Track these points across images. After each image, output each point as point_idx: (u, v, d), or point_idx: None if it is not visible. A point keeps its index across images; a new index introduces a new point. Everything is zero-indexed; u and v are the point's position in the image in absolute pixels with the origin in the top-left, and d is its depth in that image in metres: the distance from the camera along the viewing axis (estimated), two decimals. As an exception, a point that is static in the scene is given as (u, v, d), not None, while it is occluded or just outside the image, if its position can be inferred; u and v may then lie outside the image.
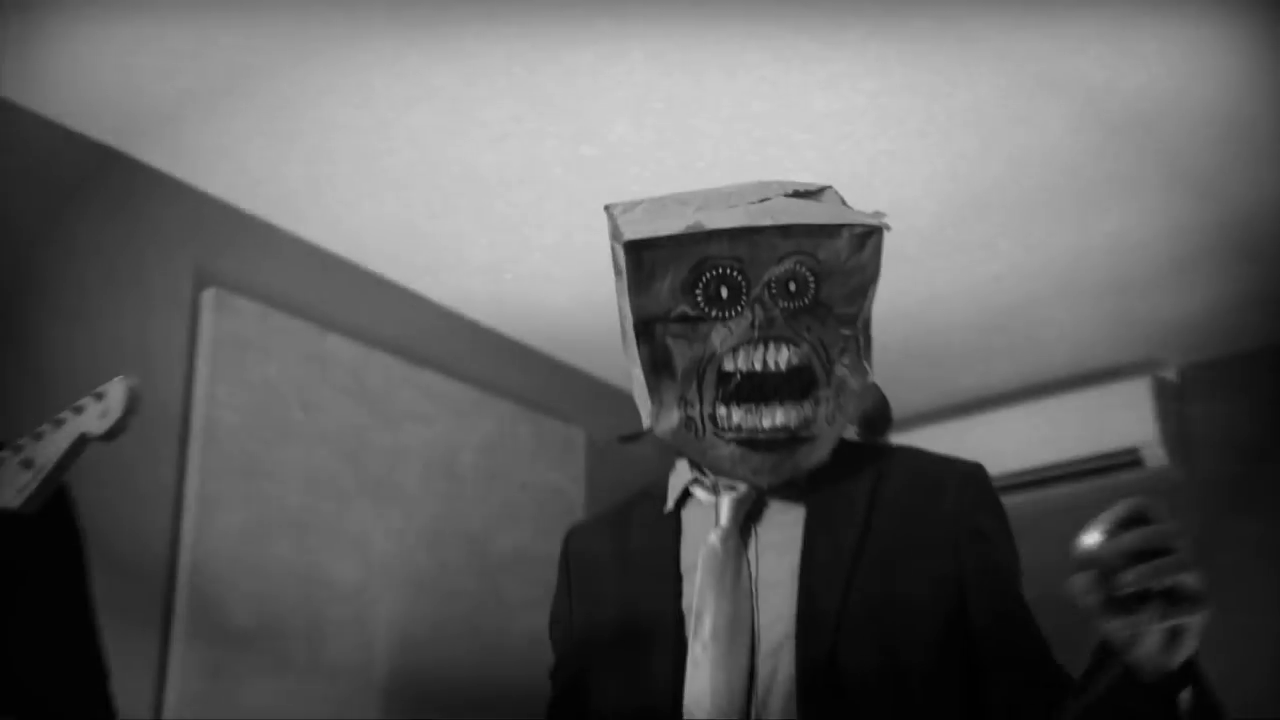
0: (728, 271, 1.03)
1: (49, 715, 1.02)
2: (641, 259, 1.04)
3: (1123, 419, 2.58)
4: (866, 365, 1.10)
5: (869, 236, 1.05)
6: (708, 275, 1.03)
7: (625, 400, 1.23)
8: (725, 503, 1.04)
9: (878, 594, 0.96)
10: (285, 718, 2.03)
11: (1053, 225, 2.64)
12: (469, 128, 2.26)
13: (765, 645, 0.96)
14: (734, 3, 1.98)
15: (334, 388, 2.25)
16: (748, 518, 1.04)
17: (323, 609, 2.15)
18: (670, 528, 1.09)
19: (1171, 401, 2.64)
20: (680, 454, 1.12)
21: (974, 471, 1.06)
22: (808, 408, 1.01)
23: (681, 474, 1.13)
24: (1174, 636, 0.75)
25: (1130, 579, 0.71)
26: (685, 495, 1.11)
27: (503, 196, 2.47)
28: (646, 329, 1.06)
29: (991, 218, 2.62)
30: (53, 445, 0.91)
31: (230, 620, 2.02)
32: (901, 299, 2.88)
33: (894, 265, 2.99)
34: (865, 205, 2.63)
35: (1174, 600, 0.72)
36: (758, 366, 1.01)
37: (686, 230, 1.03)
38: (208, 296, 2.20)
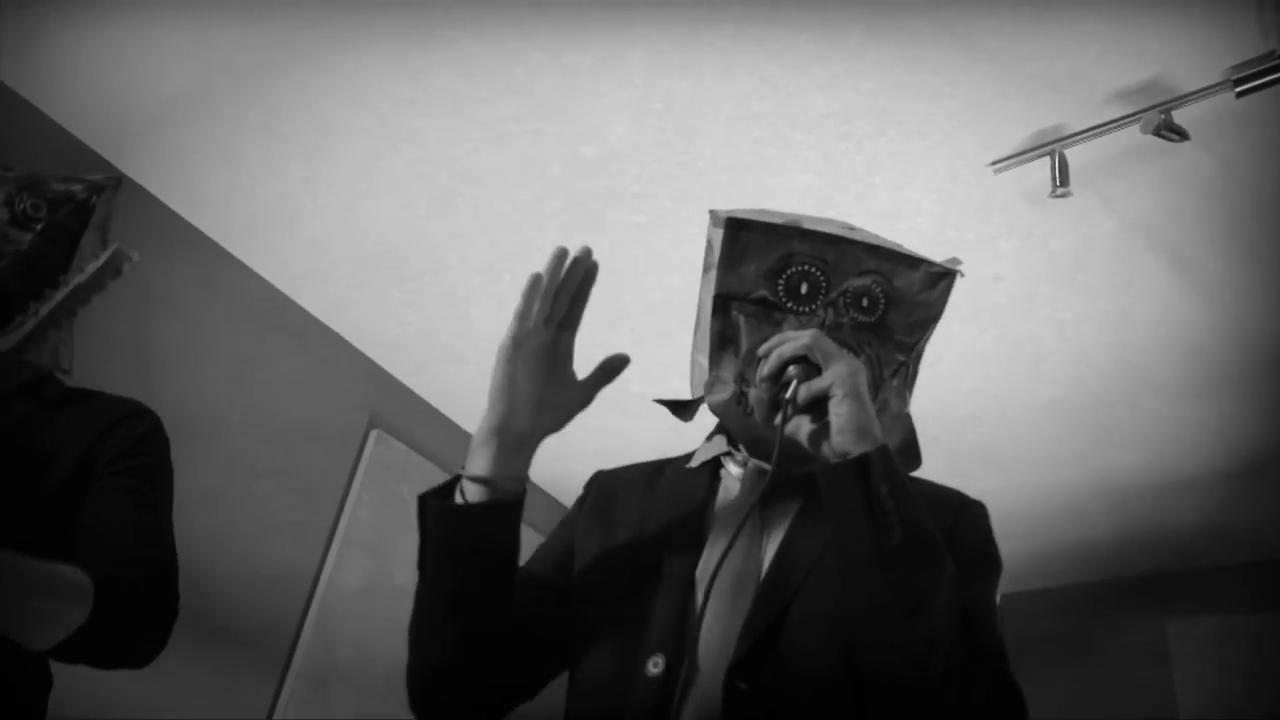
0: (812, 270, 1.11)
1: (117, 565, 1.17)
2: (738, 237, 1.12)
3: None
4: (908, 395, 1.15)
5: (943, 278, 1.13)
6: (793, 269, 1.11)
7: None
8: (750, 476, 1.09)
9: (828, 595, 0.97)
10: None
11: (1053, 227, 2.64)
12: (469, 128, 2.26)
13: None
14: (733, 4, 1.98)
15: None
16: (769, 496, 1.06)
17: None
18: (703, 484, 1.13)
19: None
20: (723, 426, 1.17)
21: (973, 506, 1.11)
22: None
23: (715, 444, 1.17)
24: (817, 420, 0.96)
25: (772, 361, 0.97)
26: (716, 465, 1.15)
27: (503, 196, 2.47)
28: (724, 305, 1.12)
29: (992, 218, 2.62)
30: (48, 302, 1.19)
31: (336, 655, 2.91)
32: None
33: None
34: (865, 205, 2.63)
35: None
36: None
37: (786, 223, 1.12)
38: (373, 434, 3.16)
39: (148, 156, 2.30)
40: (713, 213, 1.17)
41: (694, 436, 1.27)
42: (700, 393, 1.14)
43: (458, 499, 1.00)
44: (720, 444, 1.16)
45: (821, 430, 0.96)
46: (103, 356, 2.37)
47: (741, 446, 1.13)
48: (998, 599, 1.05)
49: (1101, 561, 3.76)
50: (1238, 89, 2.02)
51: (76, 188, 1.39)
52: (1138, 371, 3.14)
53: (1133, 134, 2.20)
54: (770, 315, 1.10)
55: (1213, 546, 3.56)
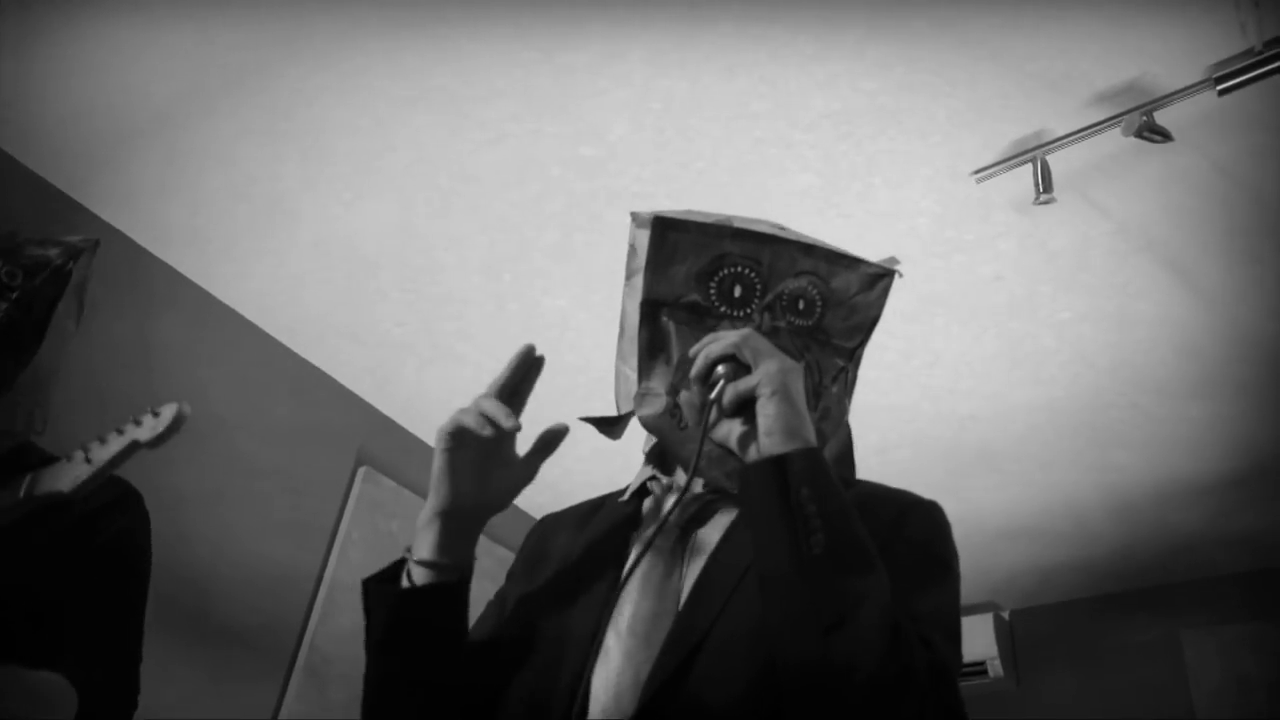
0: (745, 271, 1.05)
1: (82, 673, 1.18)
2: (665, 238, 1.05)
3: (974, 640, 3.58)
4: (847, 402, 1.09)
5: (881, 278, 1.08)
6: (725, 271, 1.04)
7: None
8: (669, 501, 1.02)
9: (752, 616, 0.88)
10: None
11: (1052, 227, 2.64)
12: (468, 128, 2.25)
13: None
14: (732, 3, 1.98)
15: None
16: (693, 520, 1.01)
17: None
18: (627, 513, 1.06)
19: (1005, 633, 3.76)
20: (656, 442, 1.11)
21: (925, 506, 1.02)
22: None
23: (642, 471, 1.11)
24: (748, 423, 0.91)
25: (699, 364, 0.94)
26: (644, 490, 1.09)
27: (502, 196, 2.46)
28: (653, 311, 1.05)
29: (992, 218, 2.62)
30: (109, 448, 1.08)
31: (332, 669, 2.92)
32: (901, 299, 2.88)
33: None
34: (865, 205, 2.63)
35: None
36: None
37: (715, 222, 1.05)
38: (361, 472, 3.16)
39: (148, 157, 2.30)
40: (634, 214, 1.10)
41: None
42: (629, 407, 1.06)
43: (404, 582, 0.97)
44: (646, 469, 1.10)
45: (751, 433, 0.91)
46: (104, 357, 2.37)
47: (676, 466, 1.07)
48: (958, 606, 0.96)
49: (1107, 567, 3.76)
50: (1219, 87, 2.01)
51: (53, 252, 1.36)
52: (1136, 372, 3.14)
53: (1119, 138, 2.19)
54: (702, 321, 1.03)
55: (1217, 551, 3.55)
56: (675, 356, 1.03)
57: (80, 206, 2.43)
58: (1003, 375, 3.40)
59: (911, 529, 0.98)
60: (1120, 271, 2.78)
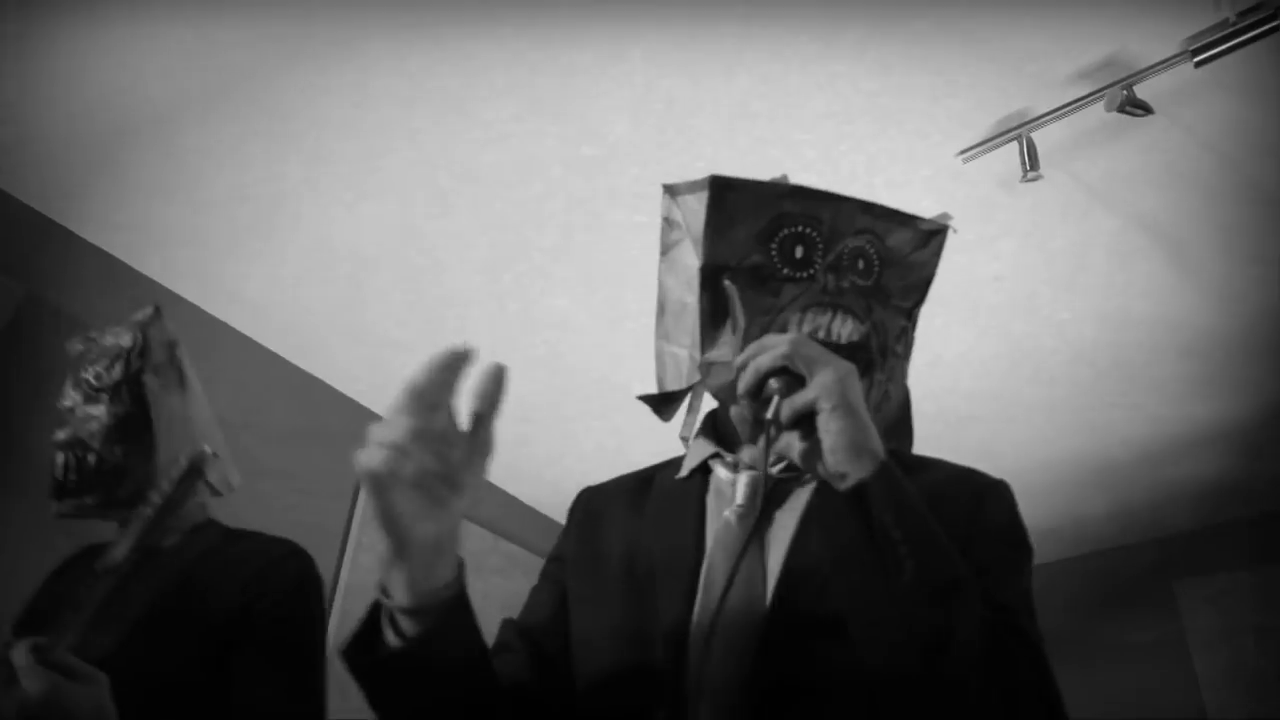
0: (807, 231, 1.01)
1: None
2: (725, 199, 1.00)
3: None
4: (906, 365, 1.08)
5: (935, 235, 1.07)
6: (786, 230, 1.01)
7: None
8: (742, 480, 1.00)
9: (853, 597, 0.88)
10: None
11: (1055, 224, 2.64)
12: (469, 128, 2.26)
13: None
14: (733, 3, 1.98)
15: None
16: (769, 500, 0.99)
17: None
18: (693, 494, 1.04)
19: None
20: (708, 421, 1.10)
21: (995, 486, 1.02)
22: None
23: (701, 446, 1.08)
24: (807, 436, 0.86)
25: (749, 377, 0.88)
26: (706, 469, 1.06)
27: (503, 196, 2.47)
28: (713, 277, 1.01)
29: (992, 218, 2.62)
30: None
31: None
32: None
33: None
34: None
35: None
36: (821, 334, 0.99)
37: (773, 180, 1.02)
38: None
39: (149, 157, 2.30)
40: (670, 186, 1.07)
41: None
42: (681, 383, 1.03)
43: (389, 637, 0.80)
44: (706, 445, 1.07)
45: (813, 448, 0.86)
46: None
47: (732, 445, 1.05)
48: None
49: (1102, 539, 3.75)
50: (1196, 59, 2.01)
51: (124, 339, 1.43)
52: (1137, 369, 3.14)
53: (1102, 114, 2.18)
54: (765, 284, 0.99)
55: (1217, 504, 3.53)
56: (742, 322, 0.99)
57: (80, 210, 2.43)
58: (1003, 375, 3.40)
59: (989, 517, 0.97)
60: (1121, 271, 2.78)
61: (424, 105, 2.19)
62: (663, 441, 1.77)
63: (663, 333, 1.08)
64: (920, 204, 2.54)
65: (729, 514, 0.98)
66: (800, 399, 0.85)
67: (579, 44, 2.05)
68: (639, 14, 1.99)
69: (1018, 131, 2.23)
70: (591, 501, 1.13)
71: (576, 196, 2.46)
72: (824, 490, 0.90)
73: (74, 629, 1.12)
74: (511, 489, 3.74)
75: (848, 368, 0.88)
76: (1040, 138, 2.29)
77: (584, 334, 2.97)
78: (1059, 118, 2.20)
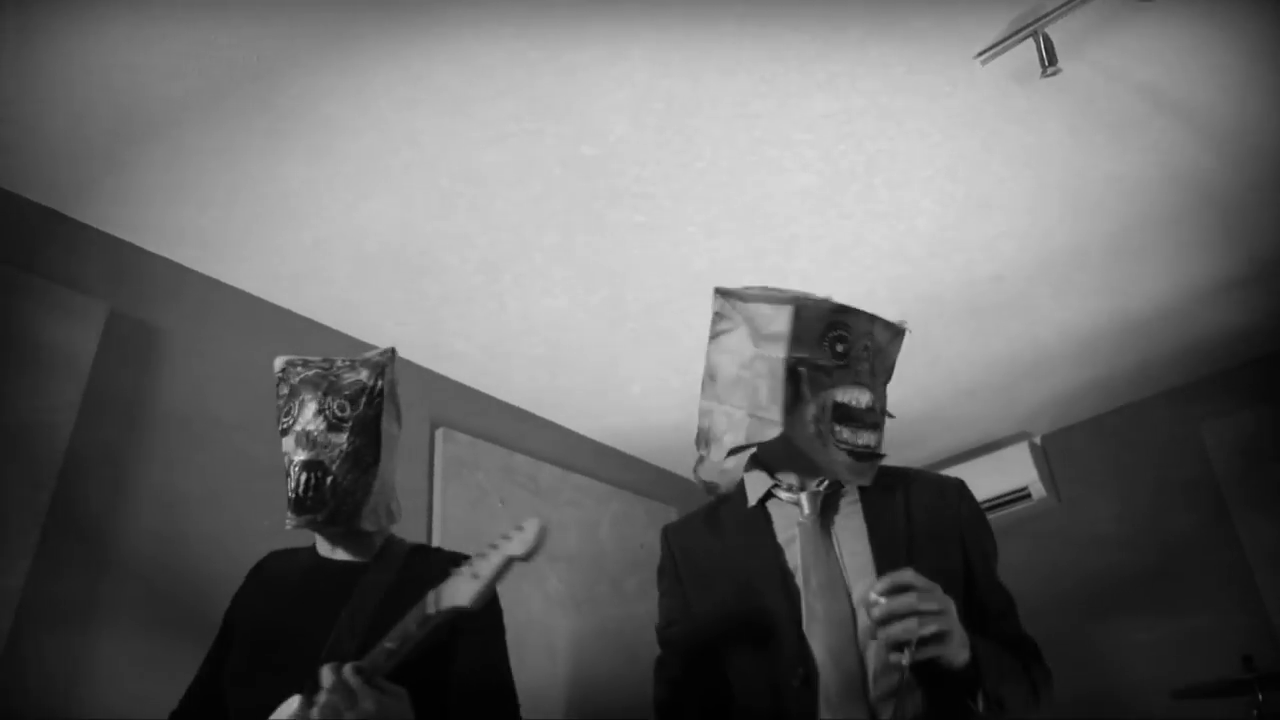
0: (844, 334, 1.47)
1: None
2: (800, 315, 1.44)
3: (1014, 468, 3.90)
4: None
5: (900, 334, 1.53)
6: (833, 334, 1.46)
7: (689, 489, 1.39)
8: (805, 497, 1.48)
9: (926, 563, 1.32)
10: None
11: (1052, 226, 2.65)
12: (470, 128, 2.26)
13: (856, 595, 1.37)
14: (733, 3, 1.98)
15: (519, 486, 3.39)
16: (825, 510, 1.47)
17: (522, 633, 3.08)
18: (761, 517, 1.51)
19: (1041, 457, 3.99)
20: (753, 456, 1.54)
21: (961, 484, 1.56)
22: (877, 435, 1.46)
23: (757, 481, 1.54)
24: (938, 645, 1.26)
25: (897, 631, 1.22)
26: (766, 496, 1.52)
27: (504, 196, 2.47)
28: (795, 369, 1.43)
29: (992, 218, 2.63)
30: (489, 563, 1.28)
31: None
32: (902, 297, 2.88)
33: (895, 266, 2.98)
34: (865, 205, 2.62)
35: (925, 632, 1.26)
36: (852, 403, 1.44)
37: (828, 302, 1.48)
38: (439, 433, 3.21)
39: (151, 157, 2.30)
40: (724, 291, 1.51)
41: (688, 426, 1.43)
42: (739, 436, 1.45)
43: None
44: (763, 478, 1.53)
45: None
46: (105, 357, 2.37)
47: (794, 469, 1.50)
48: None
49: (1126, 381, 3.65)
50: None
51: (364, 375, 1.62)
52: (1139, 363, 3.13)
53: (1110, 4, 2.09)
54: (821, 370, 1.44)
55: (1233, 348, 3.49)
56: (809, 397, 1.43)
57: (83, 209, 2.43)
58: (1003, 374, 3.40)
59: (969, 511, 1.52)
60: (1120, 268, 2.79)
61: (424, 105, 2.19)
62: (667, 436, 1.75)
63: (713, 395, 1.51)
64: (920, 204, 2.55)
65: (804, 520, 1.46)
66: (939, 652, 1.25)
67: (579, 44, 2.05)
68: (639, 14, 1.99)
69: (1032, 27, 2.16)
70: (676, 538, 1.61)
71: (576, 196, 2.47)
72: (870, 501, 1.46)
73: (392, 657, 1.29)
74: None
75: (949, 602, 1.27)
76: (1041, 134, 2.29)
77: (584, 334, 2.97)
78: (1071, 9, 2.09)
